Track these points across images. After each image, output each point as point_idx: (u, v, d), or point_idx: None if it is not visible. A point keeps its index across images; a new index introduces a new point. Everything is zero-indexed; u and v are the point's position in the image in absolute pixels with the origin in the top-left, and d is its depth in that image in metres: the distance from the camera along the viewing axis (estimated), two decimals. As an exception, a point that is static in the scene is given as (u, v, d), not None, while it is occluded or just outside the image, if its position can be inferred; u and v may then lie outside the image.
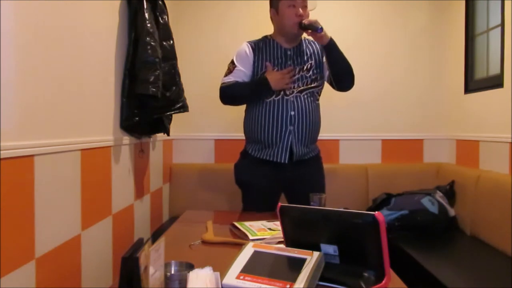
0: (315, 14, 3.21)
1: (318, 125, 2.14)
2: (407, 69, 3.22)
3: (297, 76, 2.06)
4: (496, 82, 2.54)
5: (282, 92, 2.03)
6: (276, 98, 2.03)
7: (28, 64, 1.29)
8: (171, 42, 2.29)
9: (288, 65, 2.06)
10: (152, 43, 2.02)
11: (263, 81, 2.01)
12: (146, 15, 2.04)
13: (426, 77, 3.22)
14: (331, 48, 2.01)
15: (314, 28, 1.94)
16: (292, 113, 2.03)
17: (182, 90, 2.39)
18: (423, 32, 3.21)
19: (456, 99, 3.05)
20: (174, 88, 2.29)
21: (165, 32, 2.25)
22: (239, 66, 2.08)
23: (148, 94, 1.98)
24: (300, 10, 2.00)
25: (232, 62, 2.12)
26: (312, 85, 2.09)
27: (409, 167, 3.13)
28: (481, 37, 2.84)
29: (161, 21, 2.22)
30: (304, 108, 2.04)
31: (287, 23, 2.03)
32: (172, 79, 2.28)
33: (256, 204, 2.07)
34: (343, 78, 2.09)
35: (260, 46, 2.11)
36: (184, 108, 2.37)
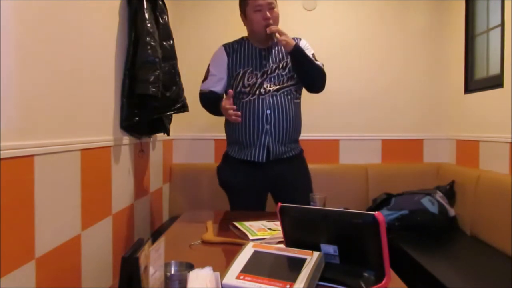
0: (315, 14, 3.22)
1: (298, 123, 2.12)
2: (407, 69, 3.22)
3: (272, 75, 2.05)
4: (496, 82, 2.54)
5: (257, 91, 2.02)
6: (252, 98, 2.03)
7: (28, 64, 1.29)
8: (171, 42, 2.30)
9: (263, 64, 2.06)
10: (152, 43, 2.02)
11: (219, 106, 2.01)
12: (146, 15, 2.04)
13: (426, 77, 3.22)
14: (294, 55, 2.01)
15: (274, 38, 1.98)
16: (268, 112, 2.02)
17: (182, 90, 2.39)
18: (423, 32, 3.21)
19: (456, 99, 3.05)
20: (174, 88, 2.29)
21: (165, 32, 2.25)
22: (212, 71, 2.10)
23: (148, 94, 1.98)
24: (267, 13, 2.00)
25: (208, 67, 2.14)
26: (289, 84, 2.07)
27: (409, 167, 3.13)
28: (481, 37, 2.84)
29: (161, 21, 2.22)
30: (280, 107, 2.02)
31: (255, 27, 2.04)
32: (172, 79, 2.28)
33: (242, 205, 2.07)
34: (309, 83, 2.10)
35: (235, 48, 2.12)
36: (184, 108, 2.37)
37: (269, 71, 2.05)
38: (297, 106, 2.12)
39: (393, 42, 3.21)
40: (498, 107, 2.49)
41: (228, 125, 2.15)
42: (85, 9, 1.67)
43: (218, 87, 2.10)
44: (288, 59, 2.09)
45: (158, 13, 2.19)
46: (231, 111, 1.89)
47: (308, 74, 2.06)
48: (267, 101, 2.02)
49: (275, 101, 2.03)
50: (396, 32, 3.21)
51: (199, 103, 3.03)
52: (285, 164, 2.09)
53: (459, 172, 2.80)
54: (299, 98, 2.15)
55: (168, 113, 2.32)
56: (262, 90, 2.03)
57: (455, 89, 3.05)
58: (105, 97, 1.90)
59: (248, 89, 2.04)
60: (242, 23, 3.11)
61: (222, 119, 3.16)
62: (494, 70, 2.63)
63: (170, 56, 2.27)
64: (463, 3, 2.96)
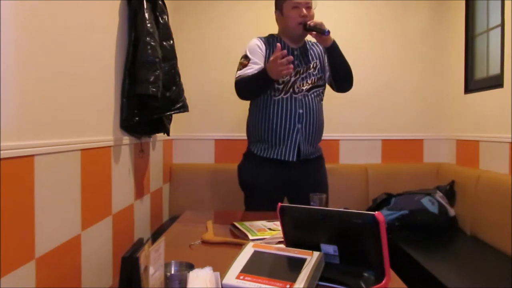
0: (315, 14, 3.21)
1: (323, 125, 2.17)
2: (407, 69, 3.22)
3: (305, 74, 2.08)
4: (496, 82, 2.53)
5: (291, 90, 2.04)
6: (284, 96, 2.05)
7: (28, 64, 1.29)
8: (171, 42, 2.29)
9: (295, 64, 2.07)
10: (152, 43, 2.02)
11: (263, 71, 1.95)
12: (146, 15, 2.04)
13: (426, 77, 3.22)
14: (334, 50, 2.05)
15: (321, 31, 1.97)
16: (301, 111, 2.04)
17: (182, 90, 2.39)
18: (423, 32, 3.21)
19: (456, 99, 3.05)
20: (174, 88, 2.29)
21: (165, 32, 2.25)
22: (254, 59, 2.06)
23: (148, 94, 1.98)
24: (304, 10, 2.02)
25: (246, 56, 2.10)
26: (319, 84, 2.12)
27: (409, 167, 3.13)
28: (481, 37, 2.84)
29: (161, 21, 2.22)
30: (311, 107, 2.06)
31: (291, 24, 2.06)
32: (172, 79, 2.28)
33: (260, 205, 2.06)
34: (343, 79, 2.14)
35: (270, 42, 2.13)
36: (184, 108, 2.37)
37: (301, 71, 2.08)
38: (322, 107, 2.17)
39: (393, 42, 3.21)
40: (498, 107, 2.49)
41: (255, 123, 2.14)
42: (85, 9, 1.66)
43: None
44: (318, 60, 2.13)
45: (158, 13, 2.19)
46: (283, 60, 1.79)
47: (343, 71, 2.11)
48: (299, 100, 2.05)
49: (307, 101, 2.06)
50: (396, 32, 3.21)
51: (199, 103, 3.06)
52: (311, 165, 2.12)
53: (459, 172, 2.80)
54: (323, 100, 2.18)
55: (168, 113, 2.32)
56: (296, 88, 2.05)
57: (455, 89, 3.05)
58: (105, 97, 1.90)
59: (281, 85, 2.05)
60: (241, 22, 3.13)
61: (222, 119, 3.18)
62: (494, 70, 2.62)
63: (170, 56, 2.27)
64: (463, 3, 2.96)
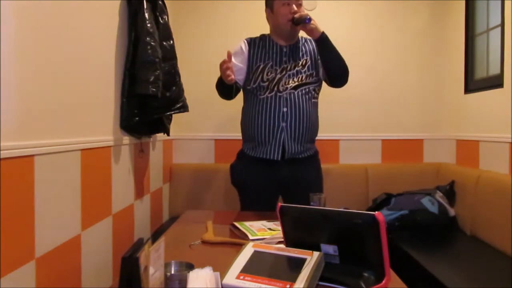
0: (315, 14, 3.21)
1: (315, 123, 2.13)
2: (407, 69, 3.22)
3: (292, 71, 2.07)
4: (496, 82, 2.54)
5: (276, 88, 2.03)
6: (269, 95, 2.04)
7: (28, 64, 1.29)
8: (171, 42, 2.30)
9: (283, 61, 2.07)
10: (152, 43, 2.02)
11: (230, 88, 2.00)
12: (146, 15, 2.04)
13: (426, 77, 3.22)
14: (322, 42, 2.02)
15: (302, 19, 1.96)
16: (285, 109, 2.02)
17: (182, 90, 2.39)
18: (423, 33, 3.21)
19: (456, 99, 3.05)
20: (174, 88, 2.29)
21: (165, 32, 2.25)
22: (234, 61, 2.07)
23: (148, 94, 1.98)
24: (295, 7, 2.02)
25: None
26: (308, 81, 2.07)
27: (409, 167, 3.13)
28: (481, 37, 2.84)
29: (161, 21, 2.22)
30: (297, 105, 2.03)
31: (281, 21, 2.05)
32: (172, 79, 2.28)
33: (253, 205, 2.07)
34: (335, 74, 2.09)
35: (256, 42, 2.14)
36: (184, 108, 2.37)
37: (288, 68, 2.07)
38: (315, 106, 2.13)
39: (393, 42, 3.21)
40: (498, 107, 2.49)
41: (244, 122, 2.15)
42: (85, 9, 1.67)
43: (236, 76, 2.03)
44: (309, 57, 2.10)
45: (158, 13, 2.19)
46: (224, 66, 1.84)
47: (334, 64, 2.06)
48: (284, 98, 2.03)
49: (292, 99, 2.03)
50: (395, 32, 3.21)
51: (199, 103, 3.06)
52: (300, 165, 2.09)
53: (459, 172, 2.80)
54: (317, 98, 2.14)
55: (168, 113, 2.32)
56: (280, 87, 2.03)
57: (455, 89, 3.05)
58: (105, 97, 1.90)
59: (267, 83, 2.04)
60: (241, 22, 3.13)
61: (222, 119, 3.18)
62: (494, 70, 2.63)
63: (170, 56, 2.27)
64: (463, 3, 2.96)
